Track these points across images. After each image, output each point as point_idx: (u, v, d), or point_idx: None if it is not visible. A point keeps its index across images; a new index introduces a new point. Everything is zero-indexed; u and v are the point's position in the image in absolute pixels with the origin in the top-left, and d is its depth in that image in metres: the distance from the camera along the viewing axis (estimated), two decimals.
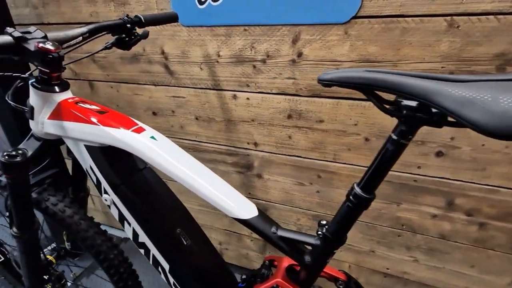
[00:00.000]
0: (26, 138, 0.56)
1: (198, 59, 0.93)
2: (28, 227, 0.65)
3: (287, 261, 0.55)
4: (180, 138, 1.10)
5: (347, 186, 0.93)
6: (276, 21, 0.79)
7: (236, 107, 0.95)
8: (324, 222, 0.46)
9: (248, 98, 0.92)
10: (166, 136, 0.53)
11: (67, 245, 0.79)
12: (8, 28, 0.45)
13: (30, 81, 0.50)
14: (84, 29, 0.57)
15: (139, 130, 0.49)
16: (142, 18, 0.68)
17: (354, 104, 0.80)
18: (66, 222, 0.70)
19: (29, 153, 0.54)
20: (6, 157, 0.51)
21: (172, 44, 0.94)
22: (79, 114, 0.49)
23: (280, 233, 0.47)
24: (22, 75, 0.54)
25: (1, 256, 1.08)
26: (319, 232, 0.44)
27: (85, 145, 0.51)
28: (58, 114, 0.50)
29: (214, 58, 0.91)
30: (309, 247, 0.47)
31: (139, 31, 0.70)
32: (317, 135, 0.89)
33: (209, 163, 1.10)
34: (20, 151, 0.53)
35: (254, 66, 0.87)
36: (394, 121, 0.37)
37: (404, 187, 0.85)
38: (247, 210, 0.47)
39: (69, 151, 0.58)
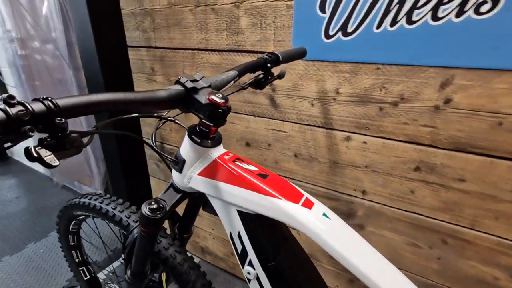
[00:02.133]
0: (165, 189, 0.51)
1: (311, 94, 0.85)
2: (144, 276, 0.60)
3: None
4: None
5: (484, 260, 0.76)
6: (422, 62, 0.67)
7: (348, 149, 0.85)
8: None
9: (365, 142, 0.81)
10: None
11: None
12: (181, 77, 0.41)
13: (187, 133, 0.45)
14: (235, 71, 0.51)
15: (309, 205, 0.40)
16: (280, 56, 0.61)
17: None
18: (177, 271, 0.64)
19: (168, 206, 0.49)
20: (150, 212, 0.46)
21: (284, 77, 0.87)
22: (240, 177, 0.42)
23: None
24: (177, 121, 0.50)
25: (87, 274, 1.08)
26: None
27: (238, 210, 0.44)
28: (213, 172, 0.44)
29: (330, 95, 0.82)
30: None
31: (275, 70, 0.63)
32: (451, 195, 0.74)
33: None
34: (161, 205, 0.48)
35: (381, 108, 0.76)
36: None
37: None
38: None
39: (204, 206, 0.52)
